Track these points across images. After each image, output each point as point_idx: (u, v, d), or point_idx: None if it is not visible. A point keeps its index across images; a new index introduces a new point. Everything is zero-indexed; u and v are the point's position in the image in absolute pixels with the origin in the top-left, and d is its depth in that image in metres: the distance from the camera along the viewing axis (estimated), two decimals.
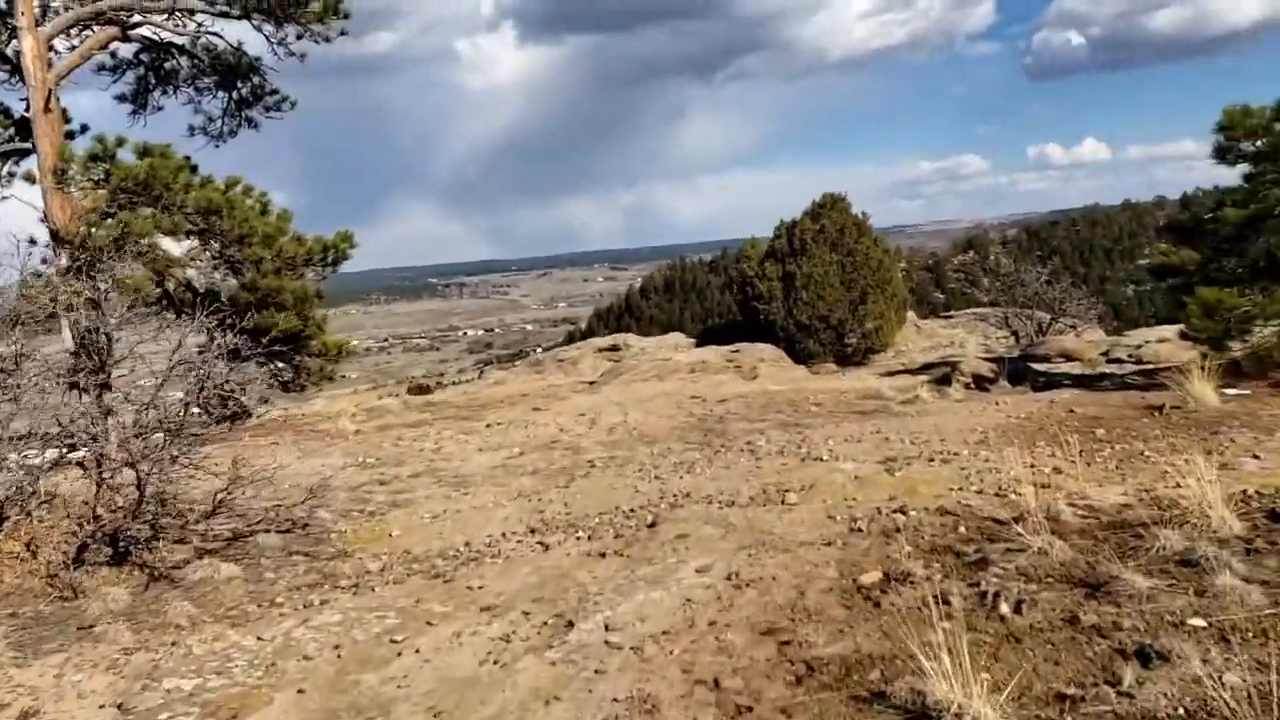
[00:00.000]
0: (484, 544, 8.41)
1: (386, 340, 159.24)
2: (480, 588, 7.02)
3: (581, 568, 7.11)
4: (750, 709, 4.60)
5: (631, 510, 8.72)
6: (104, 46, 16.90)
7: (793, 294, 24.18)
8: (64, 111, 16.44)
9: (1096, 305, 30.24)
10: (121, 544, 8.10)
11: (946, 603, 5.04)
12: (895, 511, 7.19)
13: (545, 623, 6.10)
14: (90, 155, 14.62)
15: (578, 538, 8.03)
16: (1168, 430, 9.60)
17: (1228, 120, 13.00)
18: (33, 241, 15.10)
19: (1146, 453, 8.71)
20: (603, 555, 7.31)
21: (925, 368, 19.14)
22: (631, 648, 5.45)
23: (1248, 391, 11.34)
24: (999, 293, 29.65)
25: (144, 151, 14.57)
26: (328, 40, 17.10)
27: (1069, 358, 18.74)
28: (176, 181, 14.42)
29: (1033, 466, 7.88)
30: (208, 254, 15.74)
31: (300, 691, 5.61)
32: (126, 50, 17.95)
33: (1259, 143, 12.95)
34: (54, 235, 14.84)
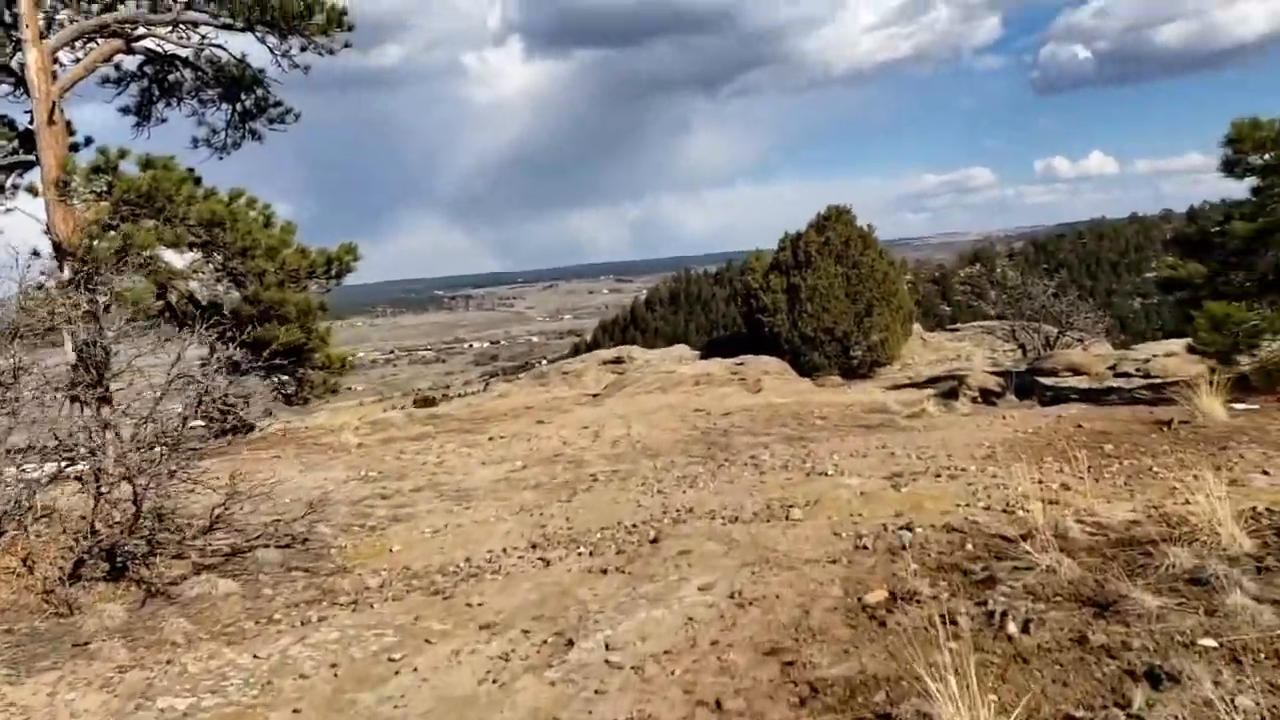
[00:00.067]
0: (484, 559, 8.33)
1: (393, 352, 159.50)
2: (480, 605, 6.94)
3: (582, 584, 7.03)
4: None
5: (634, 525, 8.64)
6: (108, 59, 16.94)
7: (798, 306, 24.15)
8: (68, 124, 16.47)
9: (1104, 319, 30.15)
10: (119, 559, 8.03)
11: (953, 622, 4.96)
12: (901, 528, 7.10)
13: (545, 641, 6.02)
14: (93, 167, 14.63)
15: (579, 553, 7.95)
16: (1176, 446, 9.51)
17: (1236, 133, 12.95)
18: (36, 254, 15.13)
19: (1155, 468, 8.62)
20: (604, 572, 7.23)
21: (931, 381, 19.07)
22: (632, 667, 5.37)
23: (1256, 406, 11.26)
24: (1006, 306, 29.59)
25: (147, 163, 14.57)
26: (331, 52, 17.10)
27: (1076, 372, 18.65)
28: (179, 193, 14.42)
29: (1040, 482, 7.81)
30: (211, 266, 15.73)
31: (296, 711, 5.53)
32: (130, 63, 18.04)
33: (1267, 156, 12.90)
34: (57, 247, 14.84)
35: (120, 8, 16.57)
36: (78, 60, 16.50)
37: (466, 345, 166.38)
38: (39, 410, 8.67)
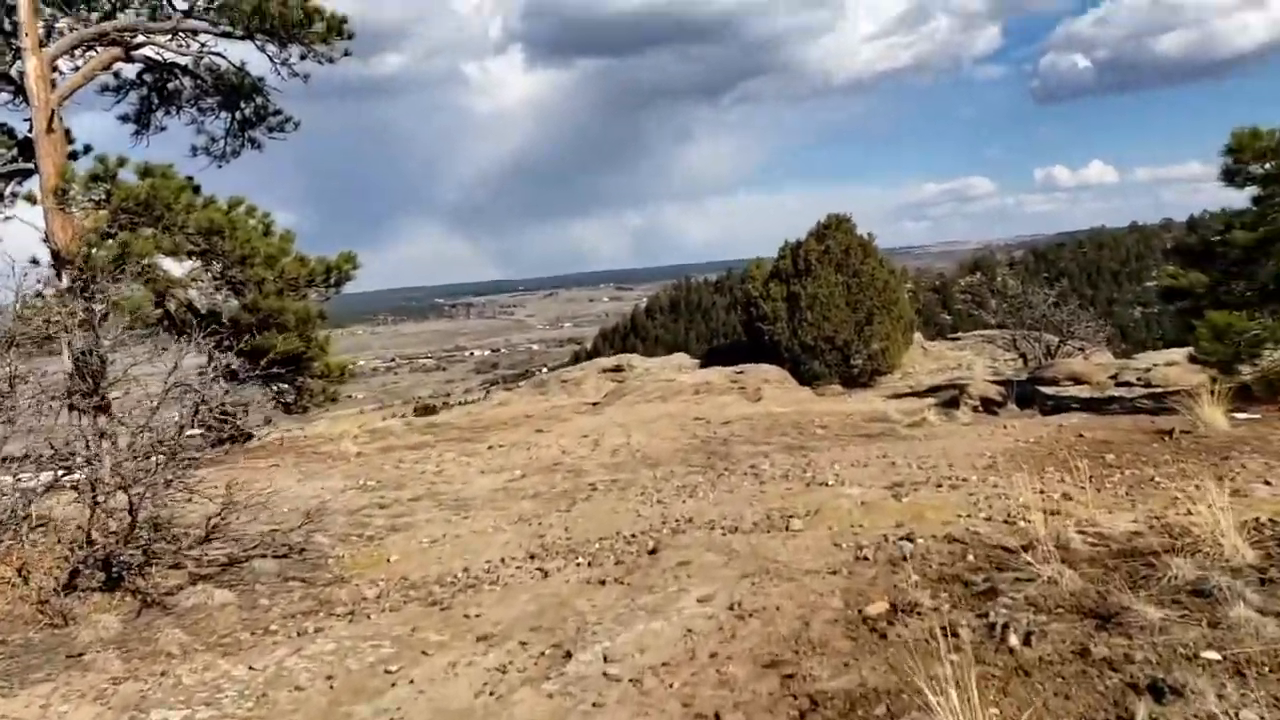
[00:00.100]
0: (483, 570, 8.28)
1: (394, 360, 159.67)
2: (477, 616, 6.90)
3: (581, 595, 6.98)
4: None
5: (633, 535, 8.60)
6: (107, 67, 16.94)
7: (798, 315, 24.10)
8: (67, 132, 16.47)
9: (1104, 328, 30.12)
10: (114, 569, 7.97)
11: (954, 634, 4.91)
12: (902, 539, 7.05)
13: (543, 653, 5.97)
14: (91, 175, 14.61)
15: (578, 564, 7.90)
16: (1178, 455, 9.47)
17: (1236, 143, 12.93)
18: (35, 262, 15.10)
19: (1157, 478, 8.57)
20: (603, 583, 7.18)
21: (932, 390, 19.02)
22: (630, 680, 5.32)
23: (1258, 416, 11.22)
24: (1006, 315, 29.55)
25: (145, 172, 14.56)
26: (331, 61, 17.11)
27: (1077, 381, 18.61)
28: (178, 202, 14.40)
29: (1042, 492, 7.75)
30: (209, 274, 15.70)
31: None
32: (130, 71, 18.04)
33: (1267, 165, 12.89)
34: (55, 255, 14.82)
35: (120, 16, 16.59)
36: (77, 68, 16.50)
37: (467, 353, 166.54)
38: (35, 419, 8.62)
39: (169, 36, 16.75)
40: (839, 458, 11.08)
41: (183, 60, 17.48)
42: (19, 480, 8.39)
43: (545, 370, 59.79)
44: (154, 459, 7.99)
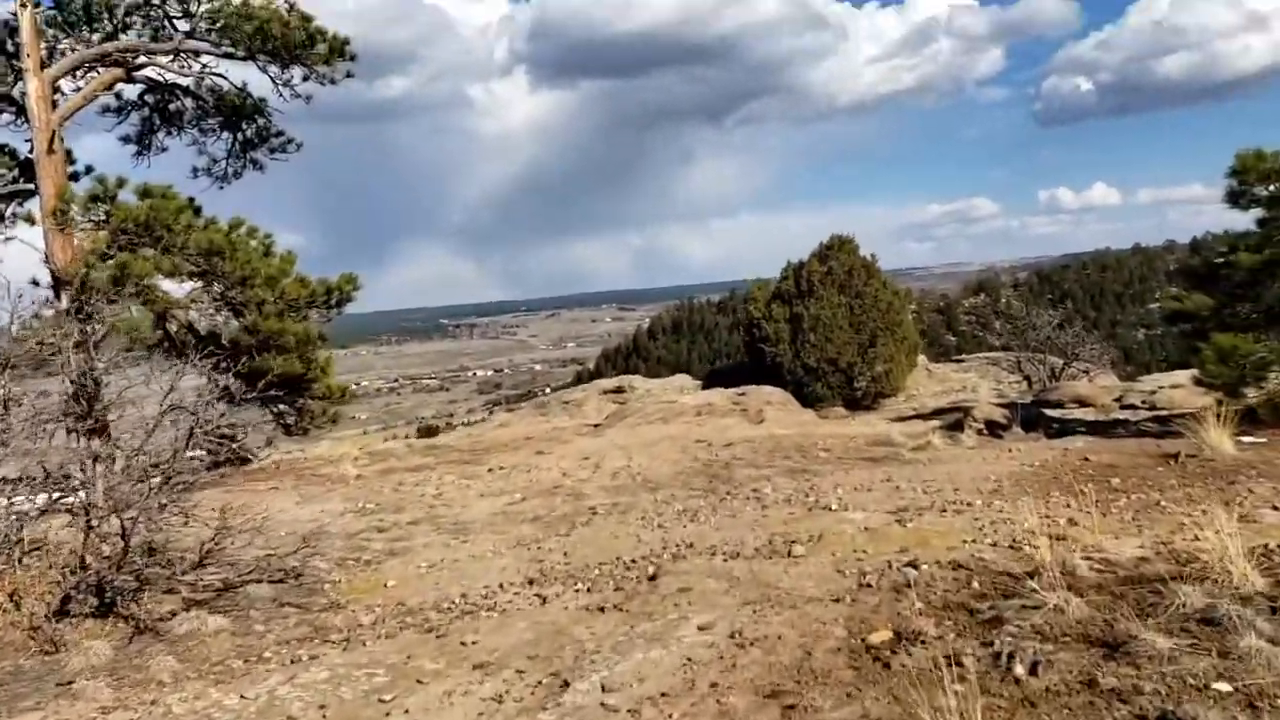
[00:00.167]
0: (480, 596, 8.18)
1: (397, 381, 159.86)
2: (474, 643, 6.80)
3: (579, 623, 6.89)
4: None
5: (633, 561, 8.50)
6: (109, 87, 16.94)
7: (800, 336, 24.02)
8: (68, 153, 16.47)
9: (1109, 350, 30.03)
10: (107, 595, 7.88)
11: (959, 664, 4.82)
12: (906, 565, 6.97)
13: (540, 682, 5.87)
14: (91, 196, 14.59)
15: (576, 590, 7.81)
16: (1184, 480, 9.39)
17: (1240, 164, 12.89)
18: (35, 283, 15.07)
19: (1163, 503, 8.49)
20: (601, 609, 7.09)
21: (937, 413, 18.91)
22: (629, 710, 5.22)
23: (1264, 440, 11.13)
24: (1011, 336, 29.47)
25: (145, 193, 14.53)
26: (333, 82, 17.10)
27: (1082, 403, 18.52)
28: (178, 223, 14.36)
29: (1047, 517, 7.67)
30: (209, 296, 15.65)
31: None
32: (131, 91, 18.02)
33: (1272, 187, 12.83)
34: (55, 277, 14.79)
35: (122, 37, 16.57)
36: (78, 89, 16.50)
37: (470, 373, 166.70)
38: (31, 441, 8.55)
39: (171, 57, 16.75)
40: (842, 482, 10.98)
41: (184, 81, 17.47)
42: (12, 503, 8.32)
43: (547, 391, 59.77)
44: (147, 483, 7.90)
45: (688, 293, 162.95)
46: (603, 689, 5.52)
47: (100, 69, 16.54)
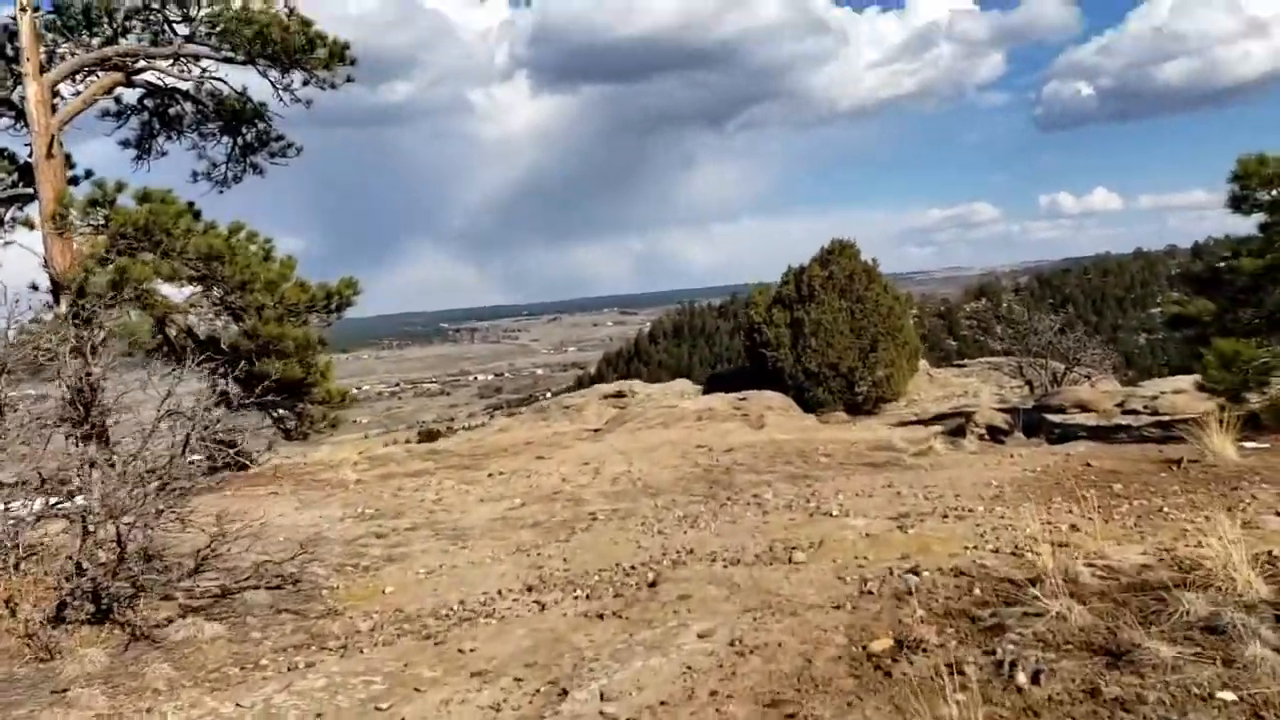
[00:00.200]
0: (479, 602, 8.14)
1: (398, 385, 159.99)
2: (472, 651, 6.75)
3: (578, 630, 6.84)
4: None
5: (632, 567, 8.45)
6: (108, 91, 16.93)
7: (801, 341, 23.98)
8: (68, 157, 16.47)
9: (1111, 355, 29.99)
10: (103, 601, 7.83)
11: (961, 672, 4.76)
12: (908, 572, 6.92)
13: (538, 690, 5.82)
14: (90, 200, 14.58)
15: (575, 597, 7.76)
16: (1187, 486, 9.33)
17: (1243, 169, 12.85)
18: (34, 287, 15.05)
19: (1165, 509, 8.43)
20: (601, 616, 7.04)
21: (938, 418, 18.88)
22: (627, 719, 5.17)
23: (1267, 445, 11.07)
24: (1012, 341, 29.45)
25: (144, 197, 14.51)
26: (333, 86, 17.10)
27: (1084, 408, 18.46)
28: (177, 227, 14.34)
29: (1049, 523, 7.62)
30: (209, 301, 15.63)
31: None
32: (131, 95, 18.02)
33: (1274, 191, 12.79)
34: (54, 281, 14.77)
35: (121, 41, 16.57)
36: (78, 93, 16.49)
37: (471, 378, 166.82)
38: (27, 446, 8.51)
39: (170, 61, 16.76)
40: (843, 487, 10.93)
41: (184, 85, 17.50)
42: (9, 509, 8.27)
43: (548, 395, 59.77)
44: (144, 489, 7.84)
45: (689, 297, 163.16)
46: (601, 698, 5.47)
47: (100, 73, 16.55)
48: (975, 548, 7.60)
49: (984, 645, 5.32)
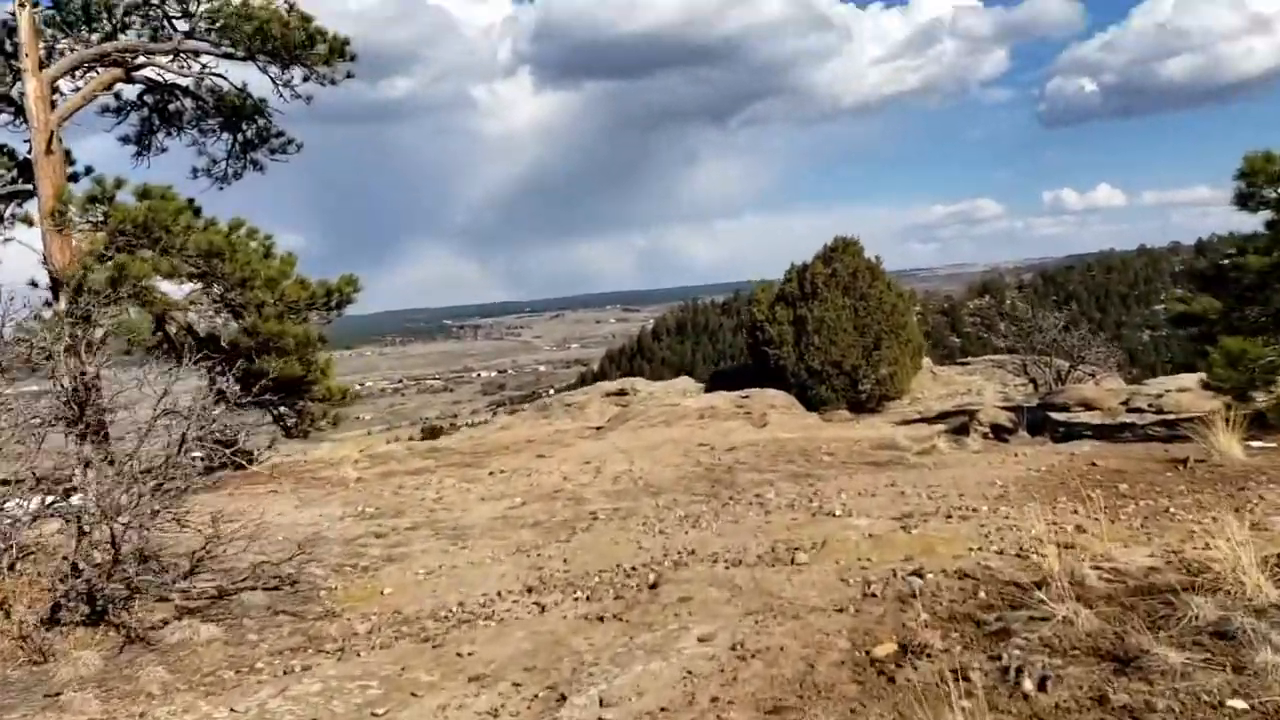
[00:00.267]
0: (478, 604, 8.06)
1: (401, 381, 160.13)
2: (470, 654, 6.67)
3: (578, 633, 6.77)
4: None
5: (633, 568, 8.38)
6: (108, 88, 16.89)
7: (804, 338, 23.88)
8: (67, 153, 16.41)
9: (1115, 352, 29.86)
10: (98, 603, 7.75)
11: (965, 678, 4.68)
12: (911, 574, 6.84)
13: (536, 695, 5.75)
14: (89, 197, 14.53)
15: (576, 598, 7.69)
16: (1193, 486, 9.25)
17: (1249, 166, 12.76)
18: (34, 284, 15.01)
19: (1172, 510, 8.35)
20: (601, 619, 6.97)
21: (942, 416, 18.79)
22: None
23: (1274, 445, 10.99)
24: (1016, 339, 29.31)
25: (143, 193, 14.46)
26: (334, 82, 17.04)
27: (1089, 407, 18.36)
28: (176, 224, 14.29)
29: (1055, 524, 7.55)
30: (209, 298, 15.58)
31: None
32: (130, 92, 17.98)
33: None
34: (53, 278, 14.71)
35: (121, 37, 16.51)
36: (77, 89, 16.45)
37: (474, 374, 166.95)
38: (21, 445, 8.43)
39: (170, 57, 16.70)
40: (846, 487, 10.85)
41: (184, 81, 17.42)
42: (4, 509, 8.20)
43: (551, 392, 59.74)
44: (139, 488, 7.76)
45: (692, 294, 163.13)
46: (600, 703, 5.40)
47: (99, 69, 16.49)
48: (980, 549, 7.52)
49: (989, 650, 5.24)
